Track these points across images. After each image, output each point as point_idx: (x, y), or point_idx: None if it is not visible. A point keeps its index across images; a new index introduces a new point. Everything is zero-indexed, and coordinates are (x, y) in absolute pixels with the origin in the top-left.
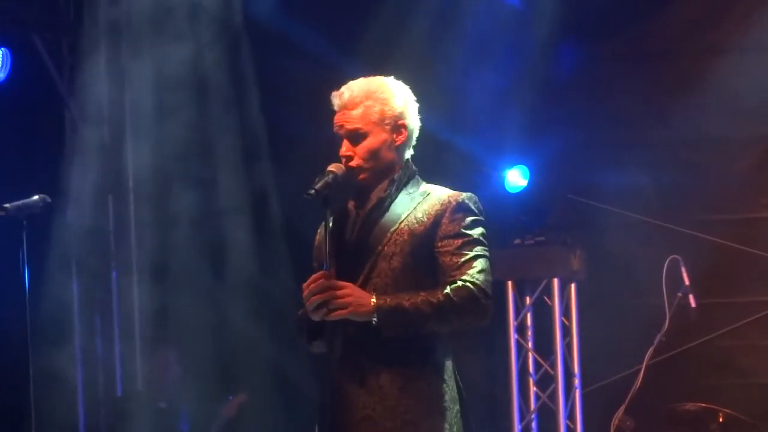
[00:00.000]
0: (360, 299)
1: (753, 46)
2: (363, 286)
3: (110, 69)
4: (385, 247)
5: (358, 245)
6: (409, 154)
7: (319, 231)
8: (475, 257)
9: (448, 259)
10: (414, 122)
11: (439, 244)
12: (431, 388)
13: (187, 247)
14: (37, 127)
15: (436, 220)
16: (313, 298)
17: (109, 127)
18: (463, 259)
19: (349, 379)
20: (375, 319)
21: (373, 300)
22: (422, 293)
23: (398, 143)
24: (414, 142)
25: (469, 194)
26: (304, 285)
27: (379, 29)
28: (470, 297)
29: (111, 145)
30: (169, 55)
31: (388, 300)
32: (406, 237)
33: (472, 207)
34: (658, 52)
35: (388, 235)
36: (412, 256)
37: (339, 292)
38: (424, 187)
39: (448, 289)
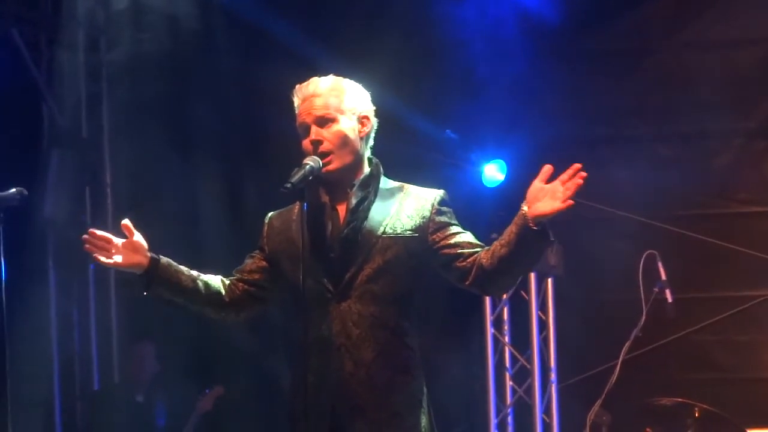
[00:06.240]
0: None
1: (730, 42)
2: (355, 276)
3: (88, 63)
4: (380, 241)
5: (348, 239)
6: (369, 151)
7: (271, 217)
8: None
9: (453, 240)
10: (374, 120)
11: (437, 235)
12: (415, 381)
13: (165, 241)
14: (15, 120)
15: (424, 214)
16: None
17: (86, 121)
18: (471, 240)
19: (337, 368)
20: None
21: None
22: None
23: (362, 134)
24: (372, 142)
25: (444, 191)
26: None
27: (356, 25)
28: None
29: (89, 138)
30: (147, 48)
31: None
32: (398, 231)
33: (449, 202)
34: (635, 48)
35: (381, 229)
36: (405, 248)
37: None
38: (396, 183)
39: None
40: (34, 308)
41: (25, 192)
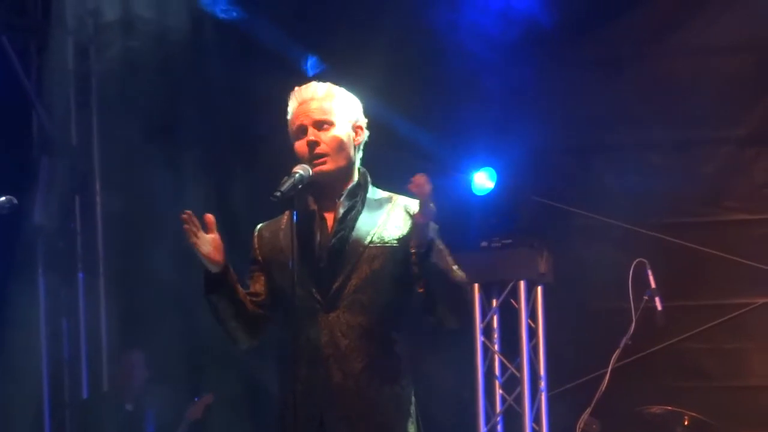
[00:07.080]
0: None
1: (719, 49)
2: (343, 286)
3: (78, 70)
4: (367, 251)
5: (336, 249)
6: (359, 161)
7: (260, 229)
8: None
9: None
10: (366, 131)
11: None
12: (404, 391)
13: (155, 248)
14: (4, 127)
15: (411, 225)
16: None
17: (76, 128)
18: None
19: (326, 378)
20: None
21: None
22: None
23: (356, 142)
24: (362, 153)
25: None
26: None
27: (347, 32)
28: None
29: (78, 145)
30: (136, 56)
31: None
32: (386, 241)
33: (437, 215)
34: (625, 55)
35: (368, 238)
36: (392, 258)
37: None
38: (385, 193)
39: None
40: (23, 316)
41: (15, 200)
